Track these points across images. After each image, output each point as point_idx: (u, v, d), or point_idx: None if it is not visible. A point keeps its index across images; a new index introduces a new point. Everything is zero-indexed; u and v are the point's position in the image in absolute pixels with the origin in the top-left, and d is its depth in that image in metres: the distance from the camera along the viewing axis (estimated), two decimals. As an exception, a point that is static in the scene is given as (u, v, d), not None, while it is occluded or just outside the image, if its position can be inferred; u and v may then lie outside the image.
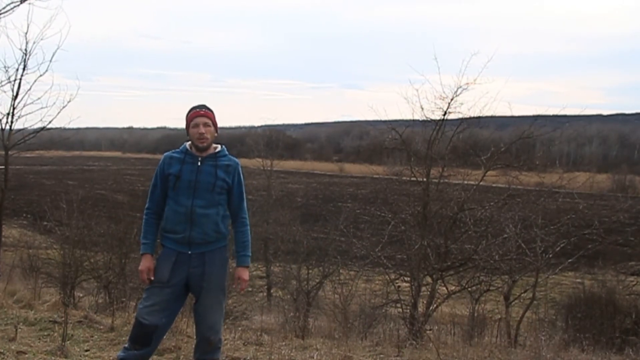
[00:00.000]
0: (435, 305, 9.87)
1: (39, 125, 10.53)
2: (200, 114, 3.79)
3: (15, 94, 10.20)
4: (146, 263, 3.78)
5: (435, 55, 10.30)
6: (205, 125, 3.76)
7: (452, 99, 9.95)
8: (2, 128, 10.44)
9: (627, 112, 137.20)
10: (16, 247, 17.23)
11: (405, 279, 10.58)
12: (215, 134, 3.84)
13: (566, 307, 11.89)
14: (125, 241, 10.69)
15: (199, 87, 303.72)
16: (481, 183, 10.42)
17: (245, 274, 3.87)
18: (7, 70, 10.07)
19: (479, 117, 10.32)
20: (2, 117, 10.36)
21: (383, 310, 10.90)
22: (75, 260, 10.42)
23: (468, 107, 10.23)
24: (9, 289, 8.29)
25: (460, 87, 9.89)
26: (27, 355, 4.65)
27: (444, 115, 10.10)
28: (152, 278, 3.77)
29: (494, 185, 13.52)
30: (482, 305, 11.10)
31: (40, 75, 9.99)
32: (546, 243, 10.59)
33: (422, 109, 10.10)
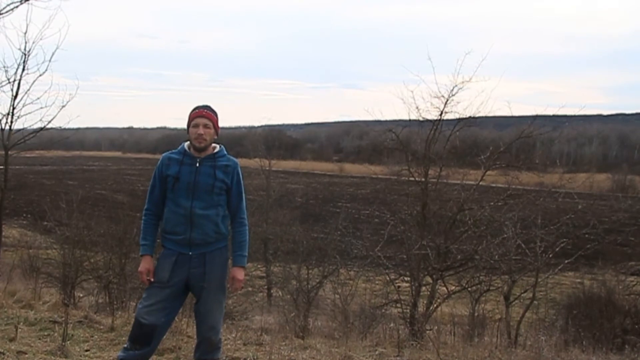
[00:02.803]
0: (435, 305, 9.87)
1: (39, 125, 10.53)
2: (202, 114, 3.78)
3: (14, 93, 10.21)
4: (145, 264, 3.78)
5: (429, 55, 10.38)
6: (205, 126, 3.75)
7: (448, 99, 9.96)
8: (1, 128, 10.44)
9: (627, 112, 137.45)
10: (16, 247, 17.22)
11: (405, 279, 10.57)
12: (215, 137, 3.83)
13: (566, 307, 11.89)
14: (125, 241, 10.67)
15: (199, 87, 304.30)
16: (481, 183, 10.41)
17: (240, 274, 3.85)
18: (6, 71, 10.08)
19: (476, 117, 10.32)
20: (2, 117, 10.36)
21: (383, 310, 10.88)
22: (75, 260, 10.42)
23: (464, 106, 10.24)
24: (9, 289, 8.27)
25: (456, 86, 9.90)
26: (27, 355, 4.65)
27: (441, 114, 10.11)
28: (152, 279, 3.77)
29: (493, 185, 13.51)
30: (482, 305, 11.08)
31: (40, 75, 9.99)
32: (546, 243, 10.58)
33: (418, 109, 10.11)
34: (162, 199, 3.82)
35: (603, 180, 51.12)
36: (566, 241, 10.60)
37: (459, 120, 10.45)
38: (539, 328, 10.18)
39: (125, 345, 3.80)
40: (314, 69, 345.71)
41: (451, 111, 10.08)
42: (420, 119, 10.25)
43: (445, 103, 9.95)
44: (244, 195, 3.90)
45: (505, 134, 15.88)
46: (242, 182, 3.89)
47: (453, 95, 9.90)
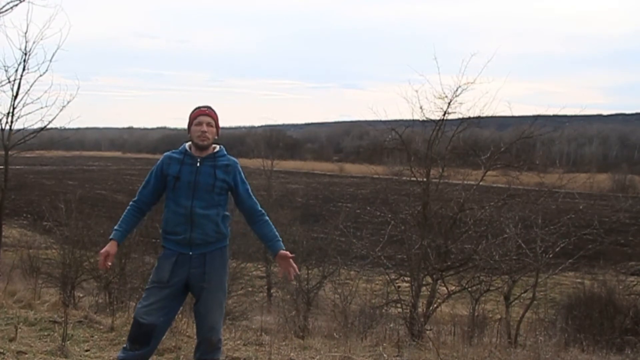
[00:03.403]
0: (435, 305, 9.87)
1: (39, 125, 10.55)
2: (205, 112, 3.79)
3: (15, 93, 10.21)
4: (107, 247, 3.72)
5: (435, 55, 10.30)
6: (209, 124, 3.76)
7: (451, 99, 9.94)
8: (2, 128, 10.44)
9: (627, 112, 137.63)
10: (16, 247, 17.24)
11: (405, 279, 10.57)
12: (216, 136, 3.84)
13: (566, 307, 11.89)
14: (125, 241, 10.66)
15: (199, 87, 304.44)
16: (481, 183, 10.40)
17: (288, 255, 3.76)
18: (6, 70, 10.09)
19: (478, 117, 10.31)
20: (2, 117, 10.37)
21: (383, 310, 10.89)
22: (75, 260, 10.42)
23: (468, 107, 10.24)
24: (9, 289, 8.28)
25: (460, 87, 9.88)
26: (27, 355, 4.65)
27: (444, 115, 10.10)
28: (108, 266, 3.73)
29: (494, 185, 13.52)
30: (482, 305, 11.09)
31: (41, 75, 10.02)
32: (546, 243, 10.58)
33: (422, 109, 10.09)
34: (152, 196, 3.83)
35: (603, 180, 51.13)
36: (567, 241, 10.60)
37: (462, 120, 10.44)
38: (539, 328, 10.18)
39: (125, 346, 3.79)
40: (314, 69, 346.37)
41: (454, 112, 10.08)
42: (424, 118, 10.24)
43: (449, 104, 9.94)
44: (251, 189, 3.90)
45: (506, 134, 15.86)
46: (245, 179, 3.89)
47: (457, 95, 9.90)
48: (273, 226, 3.86)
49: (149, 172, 3.87)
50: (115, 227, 3.81)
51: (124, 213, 3.84)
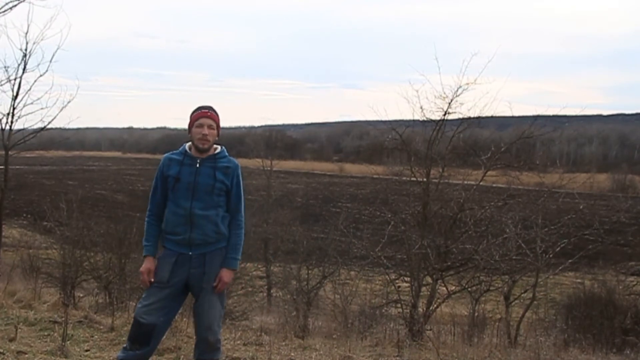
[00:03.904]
0: (435, 305, 9.86)
1: (39, 125, 10.57)
2: (206, 114, 3.78)
3: (15, 94, 10.22)
4: (147, 265, 3.79)
5: (435, 55, 10.27)
6: (210, 127, 3.75)
7: (452, 99, 9.92)
8: (2, 128, 10.45)
9: (627, 112, 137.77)
10: (16, 247, 17.26)
11: (405, 279, 10.56)
12: (217, 138, 3.84)
13: (566, 307, 11.88)
14: (125, 241, 10.68)
15: (199, 87, 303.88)
16: (481, 183, 10.40)
17: (227, 276, 3.80)
18: (7, 70, 10.10)
19: (479, 118, 10.30)
20: (2, 117, 10.38)
21: (383, 310, 10.89)
22: (75, 260, 10.42)
23: (468, 107, 10.22)
24: (9, 289, 8.27)
25: (461, 87, 9.86)
26: (27, 355, 4.65)
27: (444, 115, 10.09)
28: (153, 280, 3.77)
29: (494, 185, 13.51)
30: (482, 305, 11.08)
31: (41, 75, 10.05)
32: (546, 243, 10.58)
33: (422, 109, 10.08)
34: (164, 200, 3.83)
35: (603, 180, 51.11)
36: (567, 242, 10.60)
37: (462, 120, 10.43)
38: (539, 328, 10.18)
39: (125, 346, 3.80)
40: (314, 69, 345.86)
41: (455, 112, 10.06)
42: (424, 118, 10.22)
43: (449, 104, 9.93)
44: (243, 197, 3.90)
45: (506, 134, 15.88)
46: (241, 184, 3.88)
47: (457, 95, 9.88)
48: (240, 240, 3.86)
49: (154, 178, 3.88)
50: (145, 243, 3.85)
51: (146, 227, 3.87)
